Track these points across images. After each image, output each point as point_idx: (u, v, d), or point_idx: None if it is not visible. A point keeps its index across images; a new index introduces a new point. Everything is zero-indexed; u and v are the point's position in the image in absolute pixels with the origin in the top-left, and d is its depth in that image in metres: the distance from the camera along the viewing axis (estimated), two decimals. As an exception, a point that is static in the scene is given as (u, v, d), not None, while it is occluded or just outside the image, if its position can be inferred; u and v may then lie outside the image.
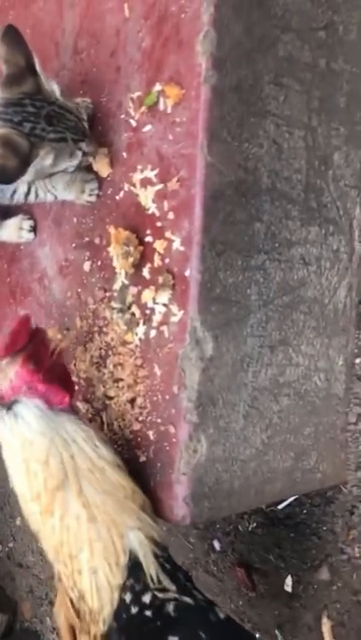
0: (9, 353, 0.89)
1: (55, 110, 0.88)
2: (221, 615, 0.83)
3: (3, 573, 2.37)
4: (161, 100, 0.90)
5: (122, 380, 1.02)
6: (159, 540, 0.87)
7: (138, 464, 0.99)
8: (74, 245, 1.11)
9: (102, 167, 0.98)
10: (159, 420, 0.95)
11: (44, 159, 0.90)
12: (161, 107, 0.91)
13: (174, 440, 0.93)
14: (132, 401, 1.00)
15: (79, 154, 0.92)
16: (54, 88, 0.89)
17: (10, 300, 1.31)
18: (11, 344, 0.90)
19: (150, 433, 0.97)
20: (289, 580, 1.31)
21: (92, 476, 0.86)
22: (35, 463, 0.85)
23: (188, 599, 0.82)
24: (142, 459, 0.98)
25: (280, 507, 1.32)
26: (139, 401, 0.99)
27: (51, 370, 0.91)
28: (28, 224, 1.18)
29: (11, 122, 0.89)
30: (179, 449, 0.93)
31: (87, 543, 0.84)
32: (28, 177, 0.91)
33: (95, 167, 1.00)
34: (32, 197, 1.07)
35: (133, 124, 0.95)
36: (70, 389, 0.94)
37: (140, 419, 0.98)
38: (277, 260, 0.97)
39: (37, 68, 0.87)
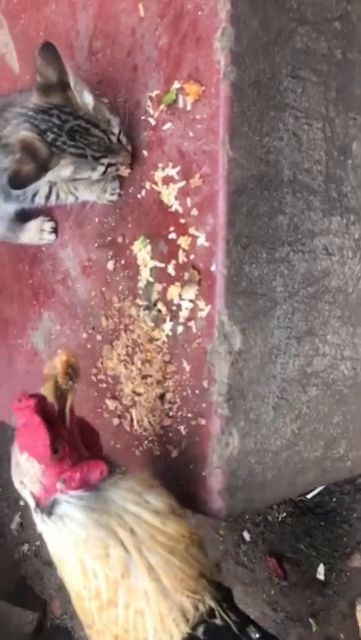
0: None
1: (80, 125, 0.89)
2: (255, 636, 0.80)
3: (31, 572, 2.40)
4: (180, 97, 0.91)
5: (150, 376, 1.03)
6: (215, 577, 0.83)
7: (170, 459, 1.00)
8: (96, 245, 1.12)
9: (122, 169, 0.99)
10: (190, 415, 0.97)
11: (63, 169, 0.91)
12: (180, 104, 0.91)
13: (206, 434, 0.94)
14: (162, 397, 1.01)
15: (101, 168, 0.92)
16: (88, 101, 0.89)
17: (33, 302, 1.32)
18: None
19: (181, 428, 0.98)
20: (321, 569, 1.32)
21: (155, 542, 0.79)
22: (92, 560, 0.78)
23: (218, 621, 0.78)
24: (174, 454, 0.99)
25: (309, 496, 1.33)
26: (168, 396, 1.00)
27: (71, 438, 0.82)
28: (48, 225, 1.20)
29: (37, 128, 0.90)
30: (211, 443, 0.94)
31: (158, 619, 0.77)
32: (44, 180, 0.91)
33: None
34: (53, 199, 1.08)
35: (153, 122, 0.96)
36: (97, 442, 0.87)
37: (171, 414, 1.00)
38: (301, 252, 0.97)
39: (71, 81, 0.88)
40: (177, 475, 0.99)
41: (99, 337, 1.13)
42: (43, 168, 0.88)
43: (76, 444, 0.84)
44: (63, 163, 0.89)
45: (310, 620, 1.35)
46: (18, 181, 0.88)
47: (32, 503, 0.82)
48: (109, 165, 0.94)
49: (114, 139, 0.93)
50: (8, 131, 0.95)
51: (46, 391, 0.85)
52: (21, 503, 2.44)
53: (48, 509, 0.80)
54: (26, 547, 2.39)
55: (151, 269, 1.00)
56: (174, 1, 0.90)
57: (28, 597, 2.33)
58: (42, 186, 1.02)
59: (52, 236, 1.20)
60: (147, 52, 0.96)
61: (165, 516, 0.82)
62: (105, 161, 0.92)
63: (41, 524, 0.81)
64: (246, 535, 1.47)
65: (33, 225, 1.20)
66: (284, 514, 1.38)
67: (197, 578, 0.80)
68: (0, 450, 2.59)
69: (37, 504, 0.81)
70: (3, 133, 0.96)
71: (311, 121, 0.95)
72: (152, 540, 0.79)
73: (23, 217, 1.19)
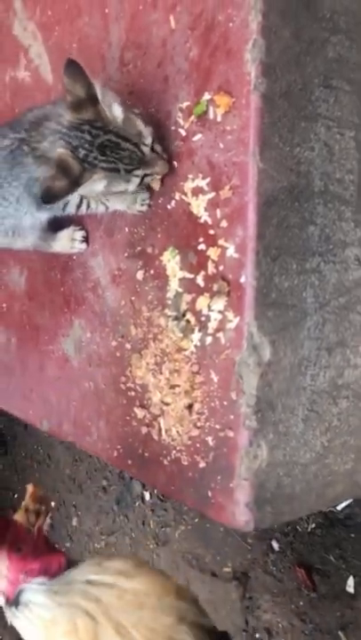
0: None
1: (111, 140, 0.90)
2: None
3: None
4: (211, 108, 0.91)
5: (178, 386, 1.03)
6: (202, 621, 0.85)
7: (198, 469, 1.00)
8: (126, 255, 1.13)
9: (154, 181, 1.00)
10: (218, 426, 0.96)
11: (96, 183, 0.92)
12: (211, 115, 0.91)
13: (234, 446, 0.94)
14: (190, 407, 1.01)
15: (136, 180, 0.93)
16: (117, 114, 0.90)
17: (64, 309, 1.34)
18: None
19: (209, 439, 0.98)
20: (351, 581, 1.30)
21: (122, 601, 0.82)
22: (62, 637, 0.81)
23: None
24: (202, 464, 0.99)
25: (339, 507, 1.31)
26: (196, 407, 1.00)
27: (35, 544, 0.93)
28: (80, 235, 1.21)
29: (70, 144, 0.91)
30: (239, 455, 0.93)
31: None
32: (78, 194, 0.93)
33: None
34: (84, 208, 1.09)
35: (183, 133, 0.96)
36: (59, 550, 0.96)
37: (199, 424, 1.00)
38: (332, 262, 0.96)
39: (99, 95, 0.89)
40: (205, 486, 0.99)
41: (128, 345, 1.14)
42: (75, 183, 0.89)
43: (40, 548, 0.94)
44: (95, 177, 0.90)
45: (340, 632, 1.33)
46: (50, 196, 0.90)
47: (2, 601, 0.89)
48: (145, 176, 0.95)
49: (146, 150, 0.93)
50: (45, 146, 0.96)
51: (19, 514, 1.10)
52: (52, 504, 2.48)
53: (15, 600, 0.85)
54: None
55: (180, 280, 1.00)
56: (205, 13, 0.90)
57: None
58: (73, 196, 1.03)
59: (83, 245, 1.21)
60: (177, 63, 0.96)
61: (129, 573, 0.85)
62: (139, 173, 0.93)
63: (12, 618, 0.86)
64: (275, 544, 1.46)
65: (64, 234, 1.22)
66: (314, 525, 1.37)
67: (176, 624, 0.81)
68: (30, 454, 2.64)
69: (7, 600, 0.88)
70: (39, 146, 0.97)
71: (343, 130, 0.94)
72: (119, 600, 0.82)
73: (55, 226, 1.21)
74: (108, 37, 1.09)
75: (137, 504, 1.95)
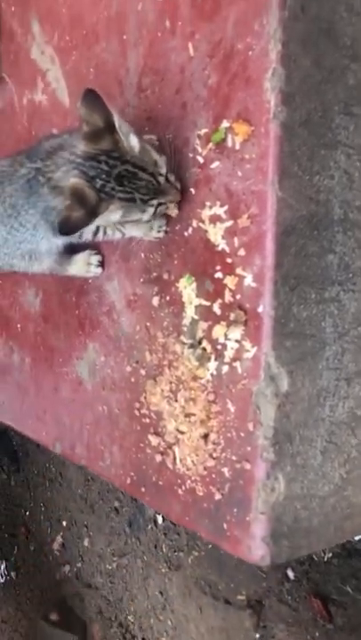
0: None
1: (128, 170, 0.89)
2: None
3: (72, 593, 2.41)
4: (229, 136, 0.90)
5: (194, 414, 1.01)
6: None
7: (213, 501, 0.98)
8: (142, 280, 1.12)
9: (170, 208, 0.99)
10: (234, 458, 0.94)
11: (113, 213, 0.91)
12: (229, 143, 0.90)
13: (251, 478, 0.92)
14: (206, 437, 0.99)
15: (151, 209, 0.92)
16: (134, 144, 0.90)
17: (79, 332, 1.34)
18: None
19: (225, 470, 0.96)
20: (369, 615, 1.27)
21: None
22: None
23: None
24: (217, 496, 0.97)
25: (357, 537, 1.28)
26: (212, 437, 0.98)
27: None
28: (95, 259, 1.21)
29: (86, 175, 0.91)
30: (256, 487, 0.91)
31: None
32: (95, 224, 0.92)
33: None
34: (100, 235, 1.09)
35: (201, 160, 0.96)
36: None
37: (215, 455, 0.98)
38: (352, 291, 0.94)
39: (116, 124, 0.88)
40: (220, 518, 0.97)
41: (142, 371, 1.13)
42: (92, 214, 0.89)
43: None
44: (112, 208, 0.90)
45: (357, 667, 1.30)
46: (68, 227, 0.90)
47: None
48: (159, 205, 0.94)
49: (161, 179, 0.93)
50: (58, 176, 0.96)
51: None
52: (64, 523, 2.46)
53: None
54: (67, 568, 2.40)
55: (196, 307, 0.99)
56: (224, 41, 0.89)
57: (68, 619, 2.33)
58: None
59: (99, 270, 1.21)
60: (196, 90, 0.95)
61: None
62: (154, 202, 0.92)
63: None
64: (290, 573, 1.43)
65: (80, 258, 1.21)
66: (330, 554, 1.34)
67: None
68: (42, 471, 2.63)
69: None
70: (53, 176, 0.97)
71: (364, 158, 0.92)
72: None
73: (71, 249, 1.21)
74: (126, 63, 1.09)
75: (149, 527, 1.92)
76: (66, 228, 0.91)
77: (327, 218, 0.90)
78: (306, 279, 0.90)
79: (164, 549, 1.83)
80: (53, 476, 2.52)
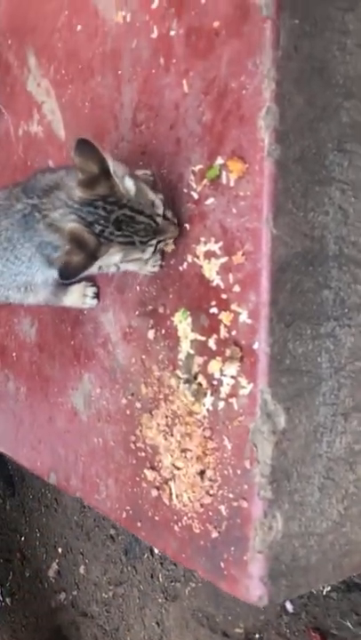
0: None
1: (125, 214, 0.89)
2: None
3: (67, 622, 2.36)
4: (223, 173, 0.90)
5: (190, 450, 1.00)
6: None
7: (210, 539, 0.96)
8: (137, 313, 1.11)
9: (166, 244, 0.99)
10: (231, 495, 0.93)
11: (113, 256, 0.91)
12: (224, 180, 0.90)
13: (248, 517, 0.90)
14: (202, 473, 0.98)
15: (150, 249, 0.92)
16: (130, 187, 0.90)
17: (74, 363, 1.33)
18: None
19: (222, 508, 0.95)
20: (369, 651, 1.25)
21: None
22: None
23: None
24: (214, 534, 0.96)
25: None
26: (209, 473, 0.97)
27: None
28: (91, 291, 1.20)
29: (84, 220, 0.91)
30: (253, 526, 0.90)
31: None
32: (95, 267, 0.92)
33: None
34: (95, 270, 1.09)
35: (195, 196, 0.96)
36: None
37: (211, 492, 0.96)
38: (348, 326, 0.94)
39: (111, 169, 0.88)
40: (217, 556, 0.95)
41: (138, 404, 1.12)
42: (92, 257, 0.89)
43: None
44: (112, 251, 0.90)
45: None
46: (69, 272, 0.89)
47: None
48: (158, 242, 0.94)
49: (160, 220, 0.93)
50: (55, 216, 0.96)
51: None
52: (59, 550, 2.43)
53: None
54: (63, 595, 2.36)
55: (192, 342, 0.99)
56: (218, 79, 0.90)
57: (64, 649, 2.29)
58: None
59: (95, 301, 1.20)
60: (190, 126, 0.96)
61: None
62: (153, 242, 0.92)
63: None
64: (289, 606, 1.40)
65: (76, 289, 1.21)
66: (329, 587, 1.31)
67: None
68: (38, 497, 2.60)
69: None
70: (50, 214, 0.97)
71: (358, 193, 0.93)
72: None
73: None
74: (121, 98, 1.10)
75: (145, 556, 1.90)
76: (67, 272, 0.91)
77: (322, 254, 0.90)
78: (301, 315, 0.89)
79: (161, 579, 1.80)
80: (49, 502, 2.49)
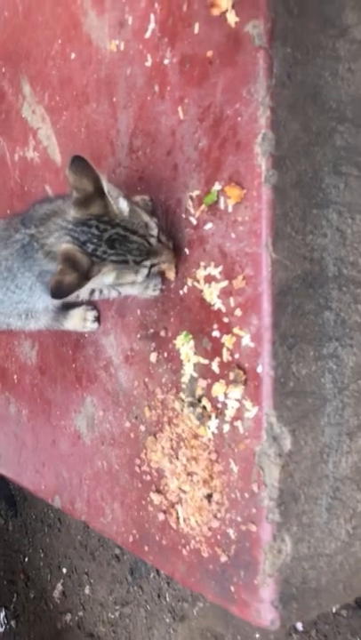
0: None
1: (119, 233, 0.90)
2: None
3: (74, 644, 2.34)
4: (221, 199, 0.91)
5: (196, 474, 1.00)
6: None
7: (219, 563, 0.96)
8: (139, 336, 1.12)
9: (168, 271, 1.00)
10: (239, 519, 0.93)
11: (106, 276, 0.92)
12: (222, 206, 0.91)
13: (257, 540, 0.90)
14: (209, 497, 0.98)
15: (144, 270, 0.93)
16: (123, 207, 0.90)
17: (76, 385, 1.33)
18: None
19: (230, 531, 0.94)
20: (381, 669, 1.24)
21: None
22: None
23: None
24: (223, 558, 0.95)
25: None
26: (216, 497, 0.97)
27: None
28: (91, 315, 1.21)
29: (77, 240, 0.91)
30: (262, 550, 0.90)
31: None
32: (88, 287, 0.92)
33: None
34: (96, 295, 1.09)
35: (194, 221, 0.96)
36: None
37: (219, 516, 0.96)
38: (349, 346, 0.95)
39: (105, 189, 0.89)
40: (227, 580, 0.95)
41: (142, 427, 1.12)
42: (84, 277, 0.89)
43: None
44: (105, 270, 0.90)
45: None
46: (61, 291, 0.89)
47: None
48: (152, 266, 0.94)
49: (153, 241, 0.93)
50: (51, 242, 0.97)
51: None
52: (64, 570, 2.41)
53: None
54: (68, 616, 2.34)
55: (195, 365, 0.99)
56: (213, 106, 0.91)
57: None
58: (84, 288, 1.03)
59: (95, 325, 1.21)
60: (187, 152, 0.97)
61: None
62: (147, 263, 0.93)
63: None
64: (299, 625, 1.39)
65: (76, 313, 1.21)
66: (338, 605, 1.31)
67: None
68: (40, 517, 2.58)
69: None
70: (46, 242, 0.98)
71: (355, 214, 0.94)
72: None
73: (67, 304, 1.21)
74: (117, 124, 1.11)
75: (152, 575, 1.88)
76: (59, 292, 0.91)
77: (322, 275, 0.90)
78: (303, 337, 0.90)
79: (168, 599, 1.79)
80: (52, 522, 2.47)
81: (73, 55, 1.19)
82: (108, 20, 1.09)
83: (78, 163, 0.88)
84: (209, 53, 0.91)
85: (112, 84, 1.10)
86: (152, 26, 1.00)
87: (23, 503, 2.74)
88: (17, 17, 1.35)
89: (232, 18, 0.86)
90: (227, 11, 0.86)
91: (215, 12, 0.87)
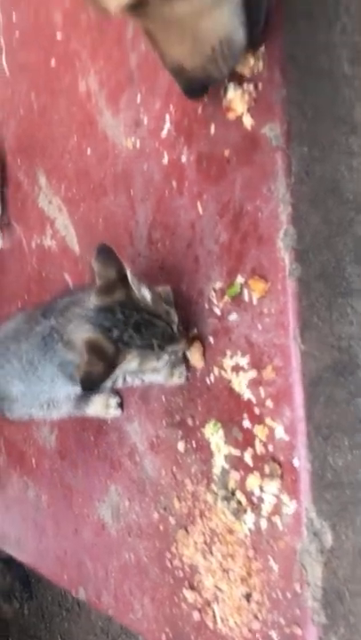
0: None
1: (144, 318, 0.91)
2: None
3: None
4: (245, 291, 0.92)
5: (233, 571, 0.97)
6: None
7: (263, 669, 0.91)
8: (165, 423, 1.10)
9: (196, 359, 1.00)
10: (282, 621, 0.89)
11: (130, 362, 0.92)
12: (246, 298, 0.92)
13: (303, 645, 0.86)
14: (248, 596, 0.94)
15: (165, 357, 0.93)
16: (145, 294, 0.92)
17: (99, 472, 1.30)
18: None
19: (273, 634, 0.90)
20: None
21: None
22: None
23: None
24: (268, 663, 0.91)
25: None
26: (255, 596, 0.93)
27: None
28: (114, 401, 1.20)
29: (101, 326, 0.92)
30: (310, 655, 0.85)
31: None
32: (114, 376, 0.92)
33: (189, 355, 1.01)
34: (120, 383, 1.08)
35: (218, 312, 0.97)
36: None
37: (260, 617, 0.92)
38: (383, 431, 0.93)
39: (129, 277, 0.90)
40: None
41: (172, 519, 1.09)
42: (111, 365, 0.89)
43: None
44: (129, 357, 0.90)
45: None
46: (91, 383, 0.89)
47: None
48: (172, 353, 0.95)
49: (175, 327, 0.94)
50: (70, 329, 0.97)
51: None
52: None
53: None
54: None
55: (226, 456, 0.97)
56: (233, 202, 0.93)
57: None
58: None
59: (118, 412, 1.20)
60: (207, 245, 0.99)
61: None
62: (169, 349, 0.93)
63: None
64: None
65: (98, 400, 1.20)
66: None
67: None
68: (58, 599, 2.48)
69: None
70: (65, 331, 0.99)
71: (378, 299, 0.94)
72: None
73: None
74: (135, 216, 1.14)
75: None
76: (88, 384, 0.90)
77: (351, 363, 0.90)
78: (337, 426, 0.88)
79: None
80: (70, 606, 2.37)
81: (89, 150, 1.24)
82: (124, 120, 1.14)
83: (105, 253, 0.90)
84: (226, 152, 0.94)
85: (129, 178, 1.14)
86: (167, 125, 1.04)
87: (38, 584, 2.63)
88: (32, 114, 1.41)
89: (248, 121, 0.89)
90: (242, 114, 0.90)
91: (231, 115, 0.91)
